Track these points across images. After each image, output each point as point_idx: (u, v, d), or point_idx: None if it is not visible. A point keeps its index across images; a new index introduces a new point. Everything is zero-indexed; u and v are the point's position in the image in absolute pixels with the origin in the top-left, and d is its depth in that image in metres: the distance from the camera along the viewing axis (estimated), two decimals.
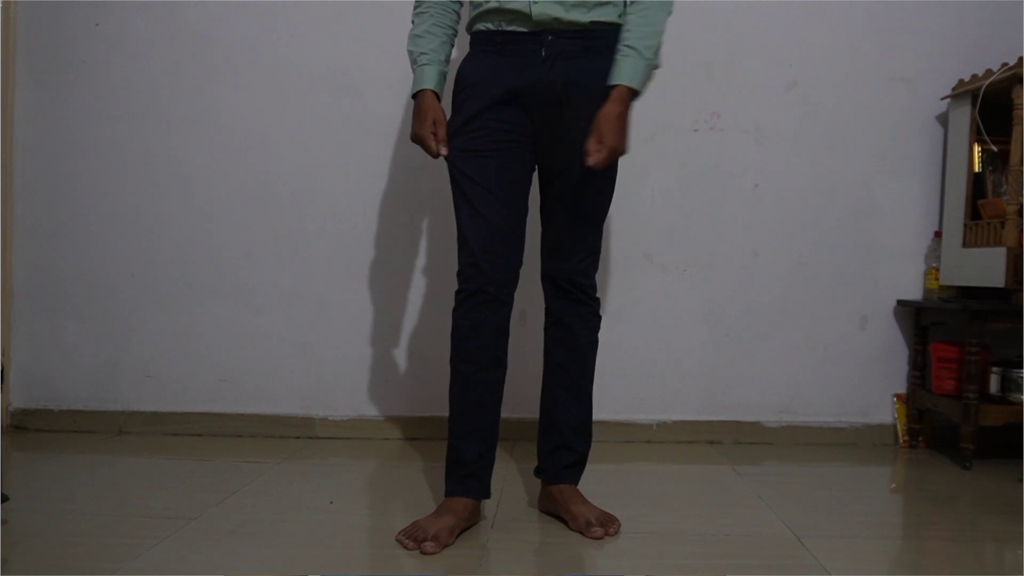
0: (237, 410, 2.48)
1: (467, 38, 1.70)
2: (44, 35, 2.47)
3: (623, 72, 1.58)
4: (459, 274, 1.65)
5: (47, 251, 2.50)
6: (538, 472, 1.78)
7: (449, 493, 1.65)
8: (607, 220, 2.39)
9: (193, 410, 2.48)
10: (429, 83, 1.64)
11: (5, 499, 1.61)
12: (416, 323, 2.48)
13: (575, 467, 1.75)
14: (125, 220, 2.48)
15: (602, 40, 1.60)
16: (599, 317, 1.76)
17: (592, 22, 1.59)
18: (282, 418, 2.48)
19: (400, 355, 2.48)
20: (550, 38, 1.60)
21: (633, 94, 1.59)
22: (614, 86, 1.56)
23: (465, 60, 1.67)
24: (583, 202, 1.67)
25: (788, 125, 2.46)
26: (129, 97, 2.46)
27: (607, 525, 1.63)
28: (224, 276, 2.48)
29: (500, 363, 1.67)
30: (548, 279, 1.74)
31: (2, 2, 2.37)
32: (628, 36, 1.58)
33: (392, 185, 2.46)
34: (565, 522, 1.68)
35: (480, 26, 1.65)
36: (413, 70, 1.67)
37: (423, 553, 1.50)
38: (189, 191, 2.47)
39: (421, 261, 2.47)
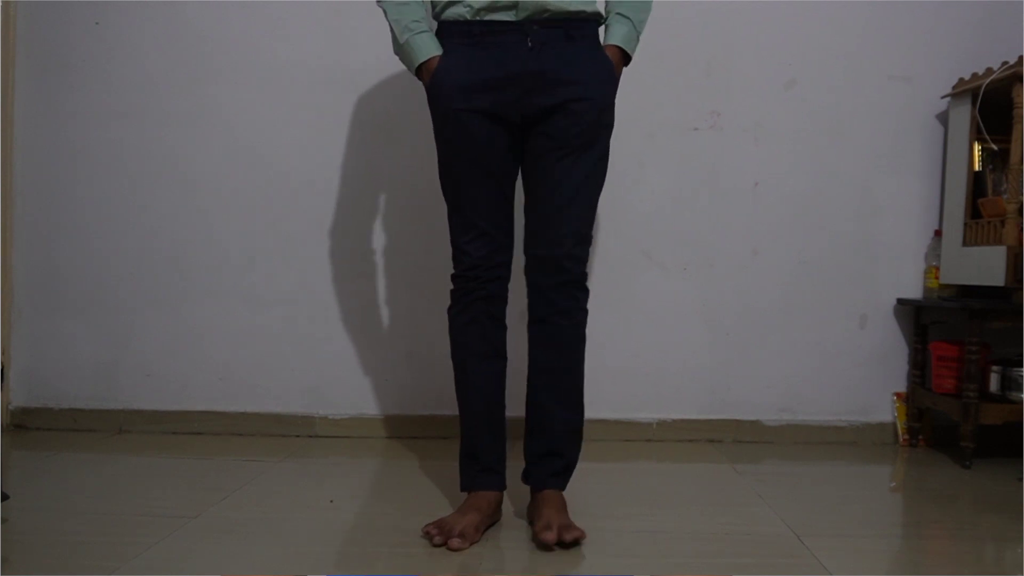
0: (237, 409, 2.48)
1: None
2: (44, 35, 2.47)
3: (618, 34, 1.62)
4: (454, 277, 1.66)
5: (47, 251, 2.50)
6: (526, 477, 1.67)
7: (468, 489, 1.65)
8: (606, 218, 2.43)
9: (193, 409, 2.49)
10: (437, 49, 1.60)
11: (5, 498, 1.61)
12: (416, 322, 2.48)
13: (564, 473, 1.66)
14: (125, 220, 2.48)
15: (580, 30, 1.59)
16: (585, 312, 1.65)
17: (578, 11, 1.56)
18: (282, 417, 2.48)
19: (400, 354, 2.48)
20: (536, 28, 1.55)
21: (625, 59, 1.63)
22: (606, 45, 1.61)
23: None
24: (574, 175, 1.58)
25: (788, 124, 2.46)
26: (129, 96, 2.46)
27: (566, 531, 1.52)
28: (224, 275, 2.48)
29: (501, 355, 1.68)
30: (533, 264, 1.62)
31: (2, 2, 2.37)
32: (620, 6, 1.62)
33: (392, 184, 2.46)
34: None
35: (451, 13, 1.57)
36: (404, 38, 1.61)
37: (449, 549, 1.50)
38: (189, 191, 2.47)
39: (421, 260, 2.47)
